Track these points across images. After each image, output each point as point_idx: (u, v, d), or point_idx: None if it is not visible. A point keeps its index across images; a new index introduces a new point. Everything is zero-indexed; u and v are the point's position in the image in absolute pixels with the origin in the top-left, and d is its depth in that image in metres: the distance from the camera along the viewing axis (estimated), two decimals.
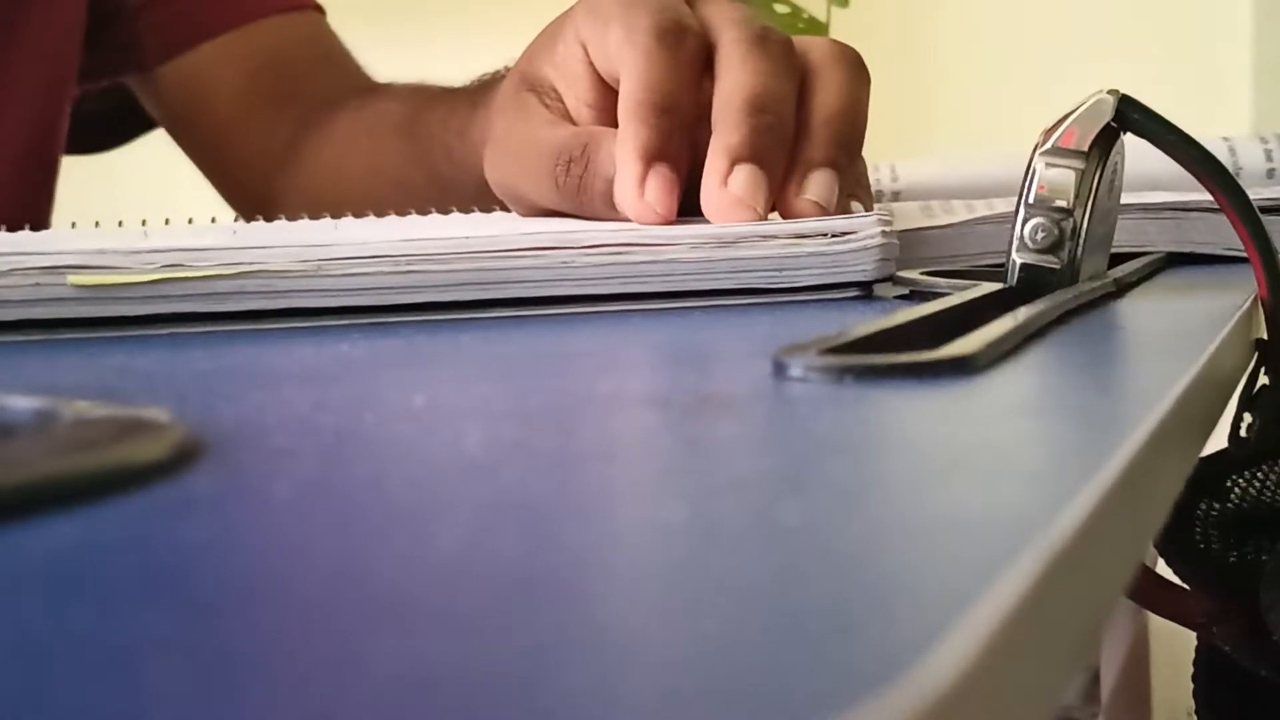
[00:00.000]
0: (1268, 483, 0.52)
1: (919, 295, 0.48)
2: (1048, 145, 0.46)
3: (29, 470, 0.22)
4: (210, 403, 0.34)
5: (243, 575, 0.19)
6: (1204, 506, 0.52)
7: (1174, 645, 0.70)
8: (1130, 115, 0.46)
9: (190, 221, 0.67)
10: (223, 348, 0.44)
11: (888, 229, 0.51)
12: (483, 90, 0.78)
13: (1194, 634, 0.56)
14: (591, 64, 0.59)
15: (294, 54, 0.93)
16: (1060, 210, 0.46)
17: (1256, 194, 0.56)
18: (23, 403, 0.27)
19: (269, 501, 0.23)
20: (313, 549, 0.20)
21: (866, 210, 0.54)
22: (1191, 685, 0.57)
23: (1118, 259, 0.54)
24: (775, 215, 0.54)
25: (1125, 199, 0.52)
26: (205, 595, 0.18)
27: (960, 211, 0.61)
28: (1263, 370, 0.48)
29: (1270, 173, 0.74)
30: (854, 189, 0.56)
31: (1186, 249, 0.62)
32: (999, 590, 0.16)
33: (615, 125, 0.56)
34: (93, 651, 0.16)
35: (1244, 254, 0.46)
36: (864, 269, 0.50)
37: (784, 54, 0.55)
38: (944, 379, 0.31)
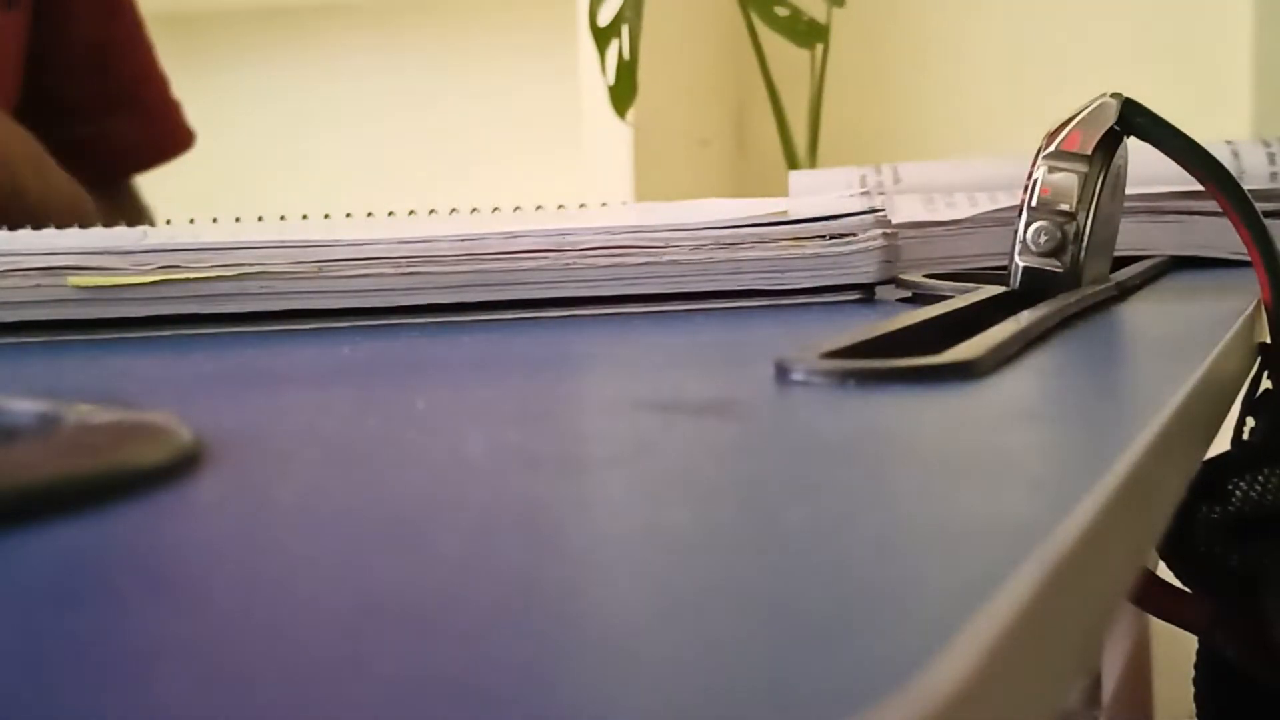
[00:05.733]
0: (1270, 486, 0.52)
1: (921, 298, 0.48)
2: (1051, 149, 0.46)
3: (32, 474, 0.22)
4: (212, 406, 0.34)
5: (245, 580, 0.19)
6: (1206, 510, 0.52)
7: (1175, 649, 0.70)
8: (1133, 119, 0.46)
9: (191, 222, 0.67)
10: (224, 350, 0.44)
11: (889, 230, 0.51)
12: None
13: (1195, 638, 0.56)
14: None
15: None
16: (1063, 214, 0.46)
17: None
18: (26, 406, 0.27)
19: (271, 506, 0.23)
20: (315, 554, 0.20)
21: None
22: (1193, 689, 0.57)
23: (1120, 262, 0.54)
24: (777, 210, 0.53)
25: (1129, 190, 0.51)
26: (208, 600, 0.18)
27: (962, 204, 0.61)
28: (1266, 374, 0.48)
29: (1273, 176, 0.74)
30: None
31: (1189, 253, 0.62)
32: (1003, 595, 0.16)
33: None
34: (95, 656, 0.16)
35: (1247, 258, 0.46)
36: (866, 271, 0.50)
37: None
38: (947, 383, 0.31)
